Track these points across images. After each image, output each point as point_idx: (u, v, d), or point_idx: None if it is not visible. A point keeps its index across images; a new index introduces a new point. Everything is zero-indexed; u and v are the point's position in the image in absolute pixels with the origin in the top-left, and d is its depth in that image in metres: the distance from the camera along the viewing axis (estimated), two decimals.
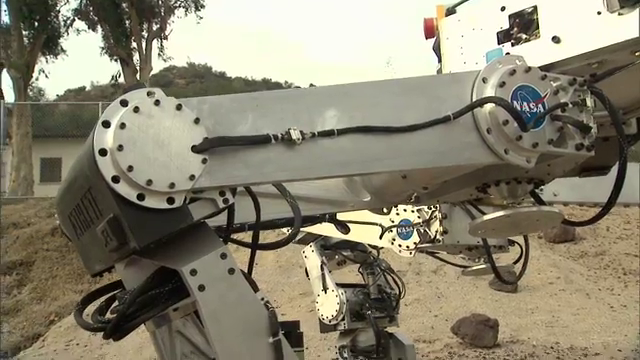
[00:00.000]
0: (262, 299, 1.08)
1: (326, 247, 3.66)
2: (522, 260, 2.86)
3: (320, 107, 1.16)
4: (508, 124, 1.25)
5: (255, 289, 1.09)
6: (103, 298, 1.25)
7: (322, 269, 3.52)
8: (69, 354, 7.03)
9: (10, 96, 16.73)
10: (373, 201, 1.75)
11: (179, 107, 1.04)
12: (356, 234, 3.14)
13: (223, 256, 1.06)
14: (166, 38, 20.06)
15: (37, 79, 19.62)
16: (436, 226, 2.84)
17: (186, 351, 1.31)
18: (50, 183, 17.86)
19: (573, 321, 6.23)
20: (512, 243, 3.02)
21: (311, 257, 3.63)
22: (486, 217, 1.51)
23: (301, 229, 3.52)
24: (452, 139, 1.24)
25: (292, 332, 3.42)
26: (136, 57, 19.25)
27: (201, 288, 1.02)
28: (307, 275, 3.75)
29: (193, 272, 1.02)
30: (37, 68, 17.99)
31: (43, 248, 10.83)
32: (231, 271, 1.05)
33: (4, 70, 16.51)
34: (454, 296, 7.43)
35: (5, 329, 8.79)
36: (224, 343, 1.01)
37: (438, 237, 2.82)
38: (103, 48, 19.57)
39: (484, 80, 1.32)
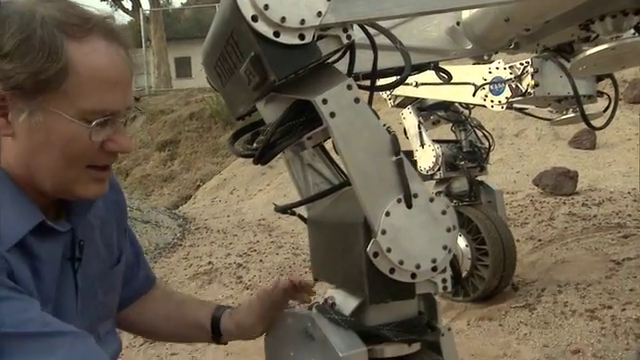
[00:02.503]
0: (384, 125, 1.04)
1: (422, 109, 3.56)
2: (610, 109, 2.62)
3: None
4: None
5: (377, 117, 1.05)
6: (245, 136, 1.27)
7: (419, 127, 3.46)
8: (214, 208, 7.62)
9: (145, 5, 17.07)
10: (474, 49, 1.61)
11: None
12: (450, 94, 3.01)
13: (349, 87, 1.01)
14: None
15: None
16: (528, 80, 2.63)
17: (317, 181, 1.33)
18: (183, 78, 18.53)
19: None
20: (600, 94, 2.76)
21: (409, 118, 3.56)
22: (589, 51, 1.34)
23: (400, 93, 3.43)
24: None
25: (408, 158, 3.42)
26: None
27: (332, 115, 0.99)
28: (405, 134, 3.70)
29: (324, 101, 0.99)
30: None
31: (185, 130, 11.46)
32: (357, 100, 1.01)
33: None
34: (535, 155, 7.12)
35: (165, 192, 9.64)
36: (354, 161, 1.00)
37: (529, 90, 2.63)
38: None
39: None
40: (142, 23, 14.22)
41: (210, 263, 4.96)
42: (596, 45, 1.44)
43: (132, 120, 1.00)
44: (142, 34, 13.91)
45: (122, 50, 0.92)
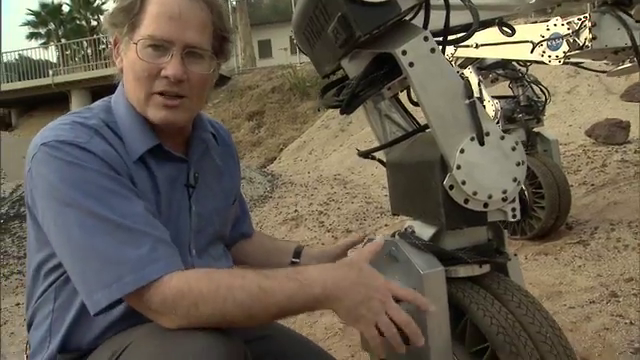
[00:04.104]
0: (457, 72, 1.00)
1: (481, 68, 3.37)
2: None
3: None
4: None
5: (451, 65, 1.00)
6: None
7: (479, 85, 3.28)
8: (296, 166, 7.76)
9: None
10: (538, 2, 1.49)
11: None
12: (509, 52, 2.81)
13: (426, 39, 0.97)
14: None
15: None
16: (585, 34, 2.39)
17: (393, 129, 1.31)
18: (265, 59, 18.67)
19: None
20: None
21: (469, 77, 3.39)
22: None
23: (461, 55, 3.25)
24: None
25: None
26: None
27: (411, 65, 0.96)
28: None
29: (404, 52, 0.96)
30: None
31: (268, 102, 11.64)
32: (433, 50, 0.97)
33: None
34: (587, 109, 6.57)
35: (255, 154, 9.93)
36: (431, 105, 0.97)
37: (587, 44, 2.40)
38: None
39: None
40: (230, 12, 14.38)
41: (296, 211, 5.10)
42: None
43: (198, 58, 1.03)
44: (230, 22, 14.09)
45: (195, 1, 0.96)
